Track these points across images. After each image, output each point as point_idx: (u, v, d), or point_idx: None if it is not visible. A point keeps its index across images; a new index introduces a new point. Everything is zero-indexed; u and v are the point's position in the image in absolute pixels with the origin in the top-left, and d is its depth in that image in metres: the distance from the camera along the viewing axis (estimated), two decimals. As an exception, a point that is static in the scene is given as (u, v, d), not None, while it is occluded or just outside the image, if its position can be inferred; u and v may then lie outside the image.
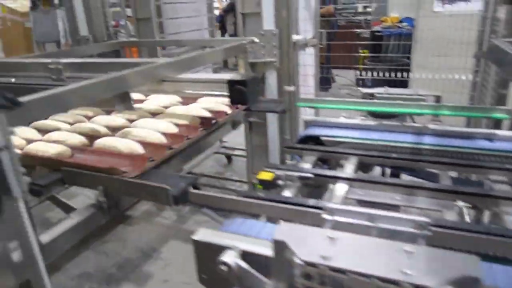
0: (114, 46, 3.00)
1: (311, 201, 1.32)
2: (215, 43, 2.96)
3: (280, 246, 0.91)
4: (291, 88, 2.73)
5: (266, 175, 1.72)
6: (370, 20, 7.33)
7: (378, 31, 6.56)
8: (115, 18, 5.82)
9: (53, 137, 1.82)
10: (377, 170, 2.13)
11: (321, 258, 0.85)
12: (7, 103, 0.67)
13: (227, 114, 2.09)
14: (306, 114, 3.64)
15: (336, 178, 1.68)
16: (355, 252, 0.85)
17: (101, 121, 2.00)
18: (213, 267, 1.18)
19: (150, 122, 1.90)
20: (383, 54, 6.58)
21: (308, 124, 2.31)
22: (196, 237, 1.23)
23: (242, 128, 6.01)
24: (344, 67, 7.61)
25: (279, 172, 1.72)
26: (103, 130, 1.89)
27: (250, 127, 2.88)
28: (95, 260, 3.12)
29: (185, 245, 3.22)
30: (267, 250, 1.08)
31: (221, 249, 1.17)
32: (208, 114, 2.04)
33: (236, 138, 4.71)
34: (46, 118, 2.03)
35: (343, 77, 7.69)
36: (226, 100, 1.89)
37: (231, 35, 8.82)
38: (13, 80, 1.92)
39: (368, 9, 7.87)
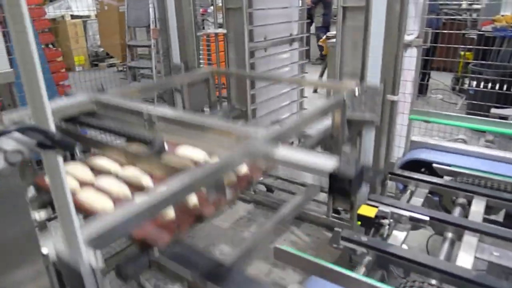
0: (205, 75, 2.81)
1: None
2: (304, 83, 2.61)
3: None
4: (395, 98, 2.33)
5: (368, 211, 1.39)
6: (477, 19, 6.47)
7: (489, 32, 5.72)
8: (202, 5, 5.78)
9: (101, 184, 1.51)
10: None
11: None
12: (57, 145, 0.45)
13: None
14: (401, 132, 3.16)
15: (461, 228, 1.30)
16: None
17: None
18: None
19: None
20: (490, 59, 5.74)
21: (415, 145, 1.92)
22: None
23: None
24: (439, 69, 6.85)
25: (384, 208, 1.39)
26: (145, 181, 1.52)
27: None
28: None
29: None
30: None
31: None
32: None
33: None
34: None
35: (436, 80, 6.92)
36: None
37: (317, 28, 8.43)
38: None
39: (476, 6, 6.98)
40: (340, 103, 1.84)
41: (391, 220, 1.37)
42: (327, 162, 1.03)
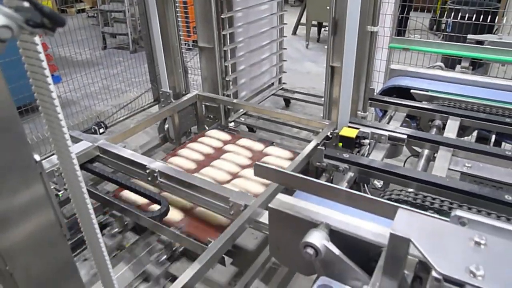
0: (193, 99, 2.69)
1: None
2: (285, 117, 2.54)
3: (401, 243, 0.68)
4: (375, 29, 2.33)
5: (349, 132, 1.45)
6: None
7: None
8: None
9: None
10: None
11: (469, 273, 0.60)
12: (47, 21, 0.44)
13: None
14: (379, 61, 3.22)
15: (436, 143, 1.38)
16: (520, 271, 0.60)
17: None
18: (291, 242, 0.99)
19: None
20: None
21: (394, 73, 1.96)
22: (272, 205, 1.02)
23: (306, 73, 5.63)
24: (416, 8, 6.77)
25: (365, 129, 1.45)
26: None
27: (332, 72, 2.54)
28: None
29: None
30: (369, 236, 0.86)
31: (303, 223, 0.96)
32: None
33: (295, 82, 4.41)
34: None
35: (413, 19, 6.88)
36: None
37: None
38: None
39: None
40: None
41: (371, 140, 1.44)
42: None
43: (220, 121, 2.88)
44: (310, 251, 0.88)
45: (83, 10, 7.41)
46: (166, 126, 2.80)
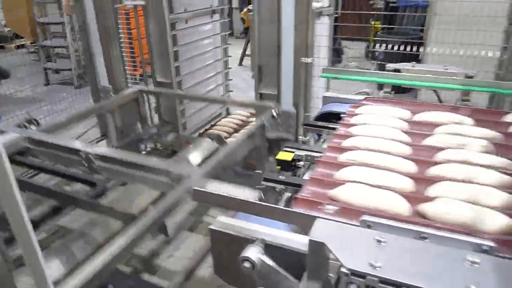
0: (133, 95, 2.76)
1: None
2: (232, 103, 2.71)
3: (318, 247, 0.79)
4: (309, 60, 2.55)
5: (285, 155, 1.59)
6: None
7: (393, 2, 6.25)
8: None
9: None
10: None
11: (370, 266, 0.72)
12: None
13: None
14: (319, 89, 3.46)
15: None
16: (410, 261, 0.73)
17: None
18: (232, 260, 1.08)
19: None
20: (397, 26, 6.30)
21: (327, 100, 2.16)
22: (214, 226, 1.11)
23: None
24: (353, 39, 7.32)
25: (299, 152, 1.59)
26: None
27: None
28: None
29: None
30: (298, 246, 0.96)
31: (241, 241, 1.05)
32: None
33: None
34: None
35: (352, 48, 7.43)
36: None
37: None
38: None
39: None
40: (261, 127, 2.10)
41: (306, 162, 1.58)
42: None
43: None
44: (247, 264, 0.97)
45: (22, 46, 7.21)
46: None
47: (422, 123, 1.53)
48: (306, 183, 1.17)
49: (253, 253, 0.98)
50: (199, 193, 1.14)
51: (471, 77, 1.95)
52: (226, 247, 1.09)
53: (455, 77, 1.91)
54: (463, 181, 1.09)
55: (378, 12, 6.29)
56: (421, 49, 4.38)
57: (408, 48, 4.93)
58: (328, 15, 3.82)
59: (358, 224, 0.85)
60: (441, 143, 1.33)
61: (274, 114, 2.13)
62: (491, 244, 0.76)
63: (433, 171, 1.17)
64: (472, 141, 1.31)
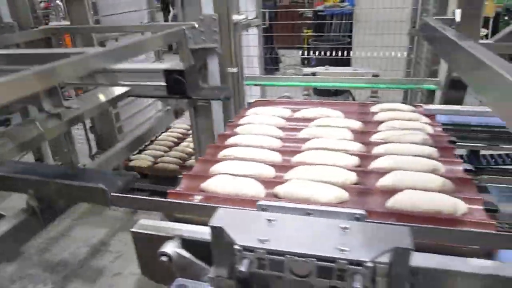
0: (44, 33, 2.76)
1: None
2: (154, 29, 2.82)
3: (217, 232, 0.89)
4: (234, 70, 2.68)
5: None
6: (312, -1, 7.39)
7: (321, 11, 6.63)
8: (45, -2, 5.38)
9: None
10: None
11: (259, 241, 0.83)
12: None
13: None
14: (252, 95, 3.63)
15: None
16: (293, 233, 0.85)
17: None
18: (155, 258, 1.15)
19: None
20: (326, 33, 6.68)
21: (252, 105, 2.29)
22: (134, 229, 1.17)
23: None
24: (290, 47, 7.65)
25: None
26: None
27: (195, 110, 2.80)
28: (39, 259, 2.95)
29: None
30: (206, 236, 1.06)
31: (161, 239, 1.13)
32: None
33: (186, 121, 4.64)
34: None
35: (291, 56, 7.76)
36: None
37: (175, 16, 8.52)
38: None
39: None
40: (181, 34, 2.25)
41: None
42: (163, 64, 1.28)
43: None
44: (164, 258, 1.05)
45: None
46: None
47: (298, 119, 1.72)
48: (181, 179, 1.28)
49: (170, 247, 1.06)
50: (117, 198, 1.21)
51: (377, 75, 2.18)
52: (148, 247, 1.16)
53: (362, 77, 2.13)
54: (320, 164, 1.28)
55: (306, 22, 6.64)
56: (351, 53, 4.69)
57: (340, 53, 5.29)
58: (256, 26, 4.02)
59: (255, 209, 0.97)
60: (309, 134, 1.53)
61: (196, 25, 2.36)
62: (362, 212, 0.91)
63: (295, 159, 1.36)
64: (336, 131, 1.52)
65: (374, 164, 1.28)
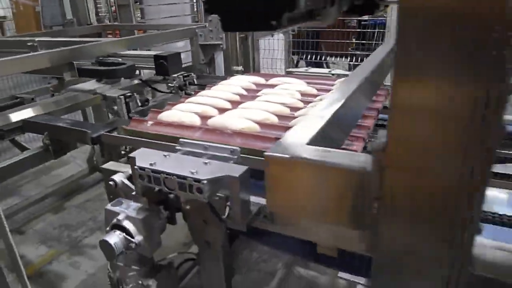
0: (96, 29, 3.47)
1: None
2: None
3: (132, 161, 1.37)
4: (239, 68, 3.16)
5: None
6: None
7: (365, 20, 6.82)
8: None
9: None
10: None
11: (149, 165, 1.30)
12: None
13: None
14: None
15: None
16: (172, 163, 1.31)
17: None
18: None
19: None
20: (368, 41, 6.85)
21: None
22: (104, 166, 1.70)
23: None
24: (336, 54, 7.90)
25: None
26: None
27: None
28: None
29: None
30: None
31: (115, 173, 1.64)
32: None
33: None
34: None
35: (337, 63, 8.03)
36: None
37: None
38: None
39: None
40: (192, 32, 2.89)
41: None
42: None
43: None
44: (112, 183, 1.56)
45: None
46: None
47: (264, 85, 2.15)
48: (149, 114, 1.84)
49: (117, 177, 1.56)
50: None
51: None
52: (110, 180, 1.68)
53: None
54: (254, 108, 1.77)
55: (347, 30, 6.87)
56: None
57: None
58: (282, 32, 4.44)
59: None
60: (263, 93, 1.98)
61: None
62: (236, 148, 1.34)
63: (241, 105, 1.84)
64: (285, 91, 1.96)
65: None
